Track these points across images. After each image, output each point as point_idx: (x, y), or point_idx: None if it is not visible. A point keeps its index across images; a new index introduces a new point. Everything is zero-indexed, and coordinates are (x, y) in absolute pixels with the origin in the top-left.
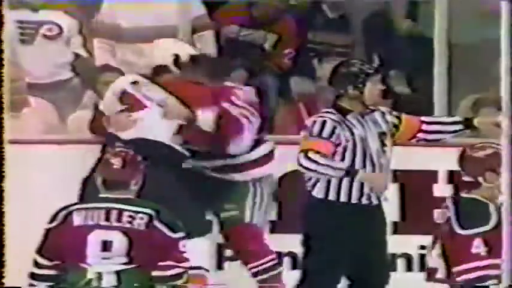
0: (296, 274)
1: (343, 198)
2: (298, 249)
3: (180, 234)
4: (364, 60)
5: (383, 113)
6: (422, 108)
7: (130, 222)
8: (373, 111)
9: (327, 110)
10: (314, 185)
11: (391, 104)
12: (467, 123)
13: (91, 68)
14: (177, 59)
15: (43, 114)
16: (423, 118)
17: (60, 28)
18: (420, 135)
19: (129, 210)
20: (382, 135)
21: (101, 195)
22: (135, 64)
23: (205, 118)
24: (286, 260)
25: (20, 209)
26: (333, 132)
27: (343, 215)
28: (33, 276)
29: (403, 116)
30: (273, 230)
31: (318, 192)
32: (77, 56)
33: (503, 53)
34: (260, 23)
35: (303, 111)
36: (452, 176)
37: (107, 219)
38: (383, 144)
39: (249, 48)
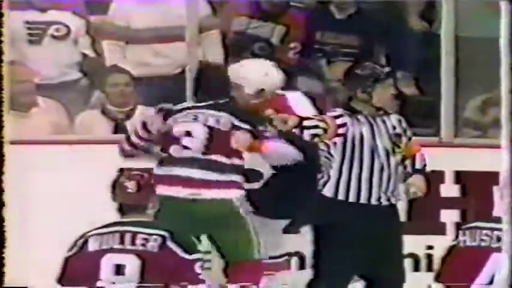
0: (304, 274)
1: (352, 198)
2: (306, 249)
3: (195, 256)
4: (378, 63)
5: (400, 120)
6: (429, 109)
7: (143, 245)
8: (389, 114)
9: (338, 109)
10: (325, 184)
11: (398, 106)
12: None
13: (99, 68)
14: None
15: (51, 115)
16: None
17: (68, 28)
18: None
19: (143, 233)
20: (396, 136)
21: (116, 221)
22: (150, 64)
23: None
24: (294, 260)
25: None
26: (341, 115)
27: (352, 215)
28: None
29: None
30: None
31: (327, 191)
32: (84, 56)
33: (503, 52)
34: (269, 14)
35: None
36: (459, 177)
37: (121, 242)
38: (396, 146)
39: (256, 42)
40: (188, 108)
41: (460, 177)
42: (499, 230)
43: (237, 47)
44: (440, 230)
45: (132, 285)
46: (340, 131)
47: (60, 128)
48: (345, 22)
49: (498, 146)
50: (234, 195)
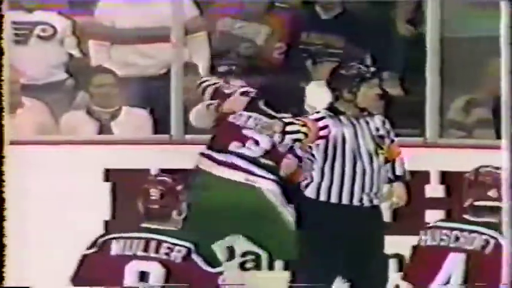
0: (286, 274)
1: (333, 199)
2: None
3: (219, 269)
4: (363, 63)
5: (384, 121)
6: (414, 109)
7: (167, 254)
8: (373, 115)
9: (321, 111)
10: (307, 185)
11: (383, 106)
12: None
13: (85, 68)
14: None
15: (36, 115)
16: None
17: (54, 29)
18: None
19: (168, 242)
20: (379, 138)
21: (142, 225)
22: (136, 65)
23: None
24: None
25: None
26: (323, 117)
27: (334, 216)
28: None
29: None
30: None
31: (310, 193)
32: (71, 56)
33: (503, 52)
34: (253, 15)
35: None
36: (444, 177)
37: (145, 249)
38: (379, 147)
39: (242, 42)
40: (268, 114)
41: (445, 177)
42: (458, 229)
43: (223, 48)
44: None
45: None
46: (322, 133)
47: (45, 128)
48: (330, 23)
49: (483, 147)
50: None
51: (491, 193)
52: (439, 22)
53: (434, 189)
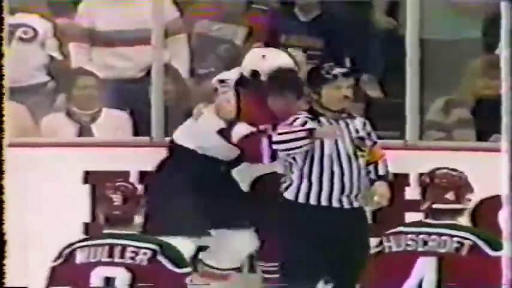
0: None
1: (312, 201)
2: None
3: (186, 270)
4: (331, 64)
5: (365, 123)
6: (394, 111)
7: (133, 258)
8: (353, 117)
9: (301, 112)
10: (287, 188)
11: (362, 108)
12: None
13: (66, 70)
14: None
15: (17, 118)
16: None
17: (35, 31)
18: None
19: (133, 246)
20: (358, 140)
21: (104, 231)
22: (115, 67)
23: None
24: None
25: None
26: (305, 123)
27: (313, 217)
28: None
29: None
30: None
31: (289, 195)
32: (52, 58)
33: (504, 52)
34: (231, 16)
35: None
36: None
37: (110, 255)
38: (359, 149)
39: (220, 44)
40: None
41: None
42: (425, 233)
43: (201, 50)
44: None
45: None
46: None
47: (25, 131)
48: (309, 25)
49: (462, 149)
50: None
51: (449, 196)
52: (418, 23)
53: (414, 192)
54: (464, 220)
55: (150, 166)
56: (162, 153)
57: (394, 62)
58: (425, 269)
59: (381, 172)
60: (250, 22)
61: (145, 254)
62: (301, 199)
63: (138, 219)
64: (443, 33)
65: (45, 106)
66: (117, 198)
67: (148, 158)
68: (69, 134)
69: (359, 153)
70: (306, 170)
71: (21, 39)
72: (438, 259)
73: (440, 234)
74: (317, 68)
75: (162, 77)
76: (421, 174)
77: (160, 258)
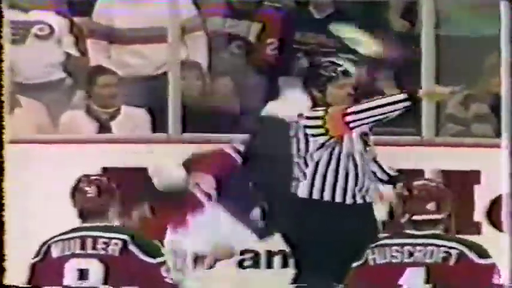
0: (287, 272)
1: (326, 197)
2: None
3: (159, 259)
4: (334, 62)
5: None
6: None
7: (104, 249)
8: None
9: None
10: (298, 186)
11: None
12: (412, 98)
13: (83, 67)
14: None
15: (34, 115)
16: (349, 110)
17: (52, 28)
18: (351, 124)
19: (104, 237)
20: (364, 136)
21: (78, 226)
22: (133, 66)
23: None
24: (277, 259)
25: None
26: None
27: (327, 214)
28: None
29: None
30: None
31: (302, 192)
32: (68, 55)
33: (503, 52)
34: (243, 13)
35: None
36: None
37: (82, 247)
38: (367, 144)
39: (233, 41)
40: None
41: (441, 176)
42: (409, 244)
43: (214, 47)
44: None
45: None
46: None
47: (43, 128)
48: (323, 22)
49: (479, 145)
50: None
51: (430, 206)
52: (433, 20)
53: None
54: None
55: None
56: (179, 149)
57: (410, 58)
58: (414, 280)
59: (389, 171)
60: (264, 18)
61: (116, 244)
62: (316, 195)
63: (113, 212)
64: (459, 30)
65: (62, 103)
66: (91, 191)
67: (166, 154)
68: (88, 131)
69: (367, 147)
70: (321, 166)
71: (37, 36)
72: (426, 269)
73: (425, 245)
74: (320, 66)
75: (178, 74)
76: (395, 187)
77: (131, 248)
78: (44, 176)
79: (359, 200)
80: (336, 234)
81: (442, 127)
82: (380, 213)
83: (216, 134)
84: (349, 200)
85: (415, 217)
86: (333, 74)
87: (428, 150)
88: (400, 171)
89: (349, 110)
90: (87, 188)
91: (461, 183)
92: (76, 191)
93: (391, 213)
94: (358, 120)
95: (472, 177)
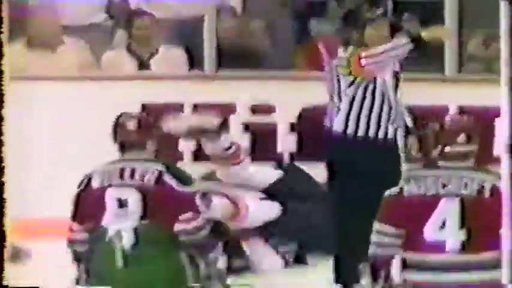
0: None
1: (360, 131)
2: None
3: (193, 188)
4: (374, 4)
5: None
6: (432, 48)
7: (141, 179)
8: None
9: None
10: (333, 119)
11: None
12: (415, 41)
13: (124, 10)
14: None
15: (78, 53)
16: (362, 54)
17: None
18: (365, 67)
19: (141, 168)
20: (396, 74)
21: (117, 159)
22: (172, 7)
23: None
24: None
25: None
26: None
27: (361, 149)
28: (70, 241)
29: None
30: (292, 159)
31: (337, 126)
32: None
33: (503, 52)
34: None
35: (323, 50)
36: (463, 111)
37: (121, 177)
38: (398, 80)
39: None
40: None
41: (463, 111)
42: (444, 176)
43: None
44: None
45: (135, 217)
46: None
47: (86, 66)
48: None
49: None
50: None
51: (460, 138)
52: None
53: None
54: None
55: (203, 99)
56: (213, 86)
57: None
58: (448, 210)
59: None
60: None
61: (152, 174)
62: (350, 130)
63: (151, 145)
64: None
65: (104, 43)
66: (131, 124)
67: (202, 91)
68: (129, 68)
69: (399, 85)
70: (357, 102)
71: None
72: (461, 201)
73: (460, 177)
74: (358, 9)
75: (214, 15)
76: (427, 123)
77: (166, 177)
78: (86, 112)
79: (390, 135)
80: (368, 169)
81: (463, 66)
82: (413, 147)
83: (248, 70)
84: (381, 135)
85: (446, 149)
86: (371, 16)
87: (451, 87)
88: (424, 107)
89: (363, 54)
90: (127, 123)
91: (484, 118)
92: (117, 125)
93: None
94: (370, 64)
95: (494, 111)
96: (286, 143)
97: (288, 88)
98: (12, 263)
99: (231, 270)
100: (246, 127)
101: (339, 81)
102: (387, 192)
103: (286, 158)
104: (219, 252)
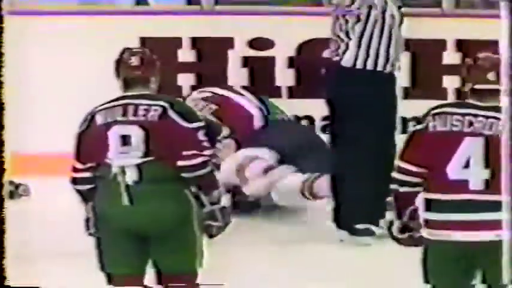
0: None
1: (369, 66)
2: (315, 113)
3: (197, 124)
4: None
5: None
6: None
7: (145, 115)
8: None
9: None
10: (343, 53)
11: None
12: None
13: None
14: None
15: None
16: None
17: None
18: None
19: (145, 104)
20: (399, 9)
21: (121, 95)
22: None
23: None
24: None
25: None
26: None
27: (370, 83)
28: (73, 181)
29: None
30: (291, 95)
31: (346, 62)
32: None
33: (503, 52)
34: None
35: None
36: (461, 45)
37: (124, 114)
38: (402, 18)
39: None
40: None
41: (461, 45)
42: (471, 115)
43: None
44: (442, 95)
45: (139, 154)
46: None
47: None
48: None
49: (498, 16)
50: None
51: (490, 76)
52: None
53: (451, 57)
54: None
55: (200, 33)
56: (211, 20)
57: None
58: (472, 149)
59: None
60: None
61: (156, 110)
62: (359, 65)
63: (154, 81)
64: None
65: None
66: (135, 60)
67: (199, 25)
68: (126, 2)
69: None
70: (366, 36)
71: None
72: (485, 140)
73: (486, 117)
74: None
75: None
76: (464, 59)
77: (170, 113)
78: (84, 47)
79: (396, 70)
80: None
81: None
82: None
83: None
84: (388, 69)
85: (476, 86)
86: None
87: (449, 21)
88: (423, 40)
89: None
90: (130, 59)
91: (481, 51)
92: (120, 62)
93: (413, 82)
94: None
95: (492, 46)
96: (284, 77)
97: (286, 23)
98: (11, 199)
99: (235, 207)
100: (245, 61)
101: (346, 20)
102: (412, 128)
103: (284, 92)
104: (222, 190)
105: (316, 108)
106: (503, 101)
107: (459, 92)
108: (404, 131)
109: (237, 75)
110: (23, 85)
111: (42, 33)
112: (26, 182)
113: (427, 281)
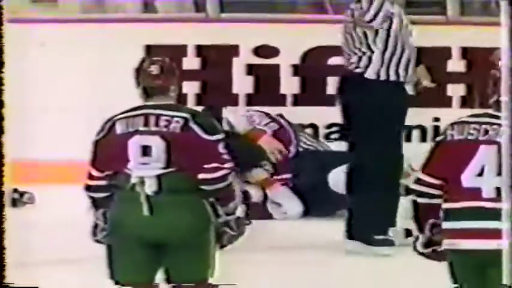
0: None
1: (392, 76)
2: (320, 121)
3: (218, 137)
4: None
5: None
6: None
7: (166, 126)
8: None
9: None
10: (366, 66)
11: None
12: None
13: None
14: None
15: None
16: None
17: None
18: None
19: (166, 115)
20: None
21: (141, 104)
22: None
23: None
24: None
25: None
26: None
27: (392, 94)
28: (88, 188)
29: None
30: (296, 103)
31: (369, 74)
32: None
33: (503, 53)
34: None
35: None
36: (465, 53)
37: (146, 124)
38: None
39: None
40: None
41: (466, 53)
42: (487, 123)
43: None
44: (446, 103)
45: (159, 165)
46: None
47: (89, 8)
48: None
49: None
50: None
51: None
52: None
53: (455, 64)
54: None
55: (205, 41)
56: (216, 27)
57: None
58: (487, 157)
59: None
60: None
61: (177, 122)
62: (383, 76)
63: (174, 89)
64: None
65: None
66: (155, 68)
67: (205, 33)
68: (134, 10)
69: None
70: (389, 50)
71: None
72: (498, 148)
73: (501, 125)
74: None
75: None
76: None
77: (192, 125)
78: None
79: (408, 79)
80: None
81: (467, 7)
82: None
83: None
84: (409, 79)
85: (501, 98)
86: None
87: (454, 29)
88: (428, 48)
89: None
90: (150, 67)
91: (485, 59)
92: (140, 70)
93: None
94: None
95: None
96: (289, 84)
97: (291, 31)
98: (14, 207)
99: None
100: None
101: (364, 32)
102: (436, 140)
103: (289, 100)
104: (238, 201)
105: (321, 116)
106: (504, 107)
107: (464, 100)
108: (408, 139)
109: (242, 83)
110: (25, 93)
111: (47, 41)
112: (31, 189)
113: None
